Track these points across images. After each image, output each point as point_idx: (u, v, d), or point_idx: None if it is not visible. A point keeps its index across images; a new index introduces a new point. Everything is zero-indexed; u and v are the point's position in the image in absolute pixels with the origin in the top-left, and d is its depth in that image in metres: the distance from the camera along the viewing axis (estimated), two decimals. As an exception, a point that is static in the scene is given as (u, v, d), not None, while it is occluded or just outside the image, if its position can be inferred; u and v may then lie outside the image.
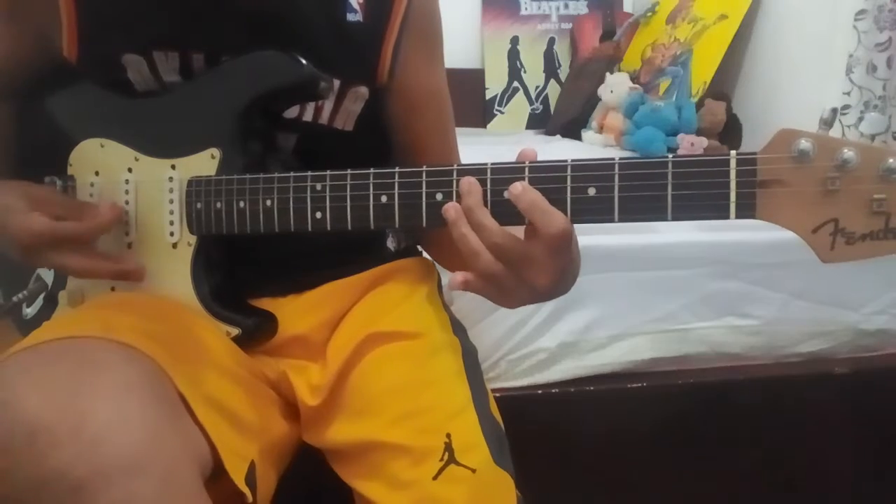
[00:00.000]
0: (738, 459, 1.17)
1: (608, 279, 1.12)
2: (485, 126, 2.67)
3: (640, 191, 0.57)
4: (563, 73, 2.69)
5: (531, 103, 2.71)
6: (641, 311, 1.14)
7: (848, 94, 1.61)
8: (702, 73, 2.07)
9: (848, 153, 0.51)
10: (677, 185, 0.56)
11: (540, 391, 1.09)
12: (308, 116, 0.79)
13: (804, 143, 0.52)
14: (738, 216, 0.55)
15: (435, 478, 0.68)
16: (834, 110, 0.54)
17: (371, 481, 0.71)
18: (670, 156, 0.56)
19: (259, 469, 0.68)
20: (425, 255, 0.95)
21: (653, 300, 1.14)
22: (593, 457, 1.05)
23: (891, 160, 0.50)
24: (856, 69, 1.60)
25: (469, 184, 0.61)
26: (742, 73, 2.13)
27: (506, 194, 0.60)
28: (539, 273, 0.60)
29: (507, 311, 1.10)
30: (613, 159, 0.58)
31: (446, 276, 0.96)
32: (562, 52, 2.72)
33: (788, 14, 1.98)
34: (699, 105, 1.96)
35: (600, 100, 2.26)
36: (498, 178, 0.61)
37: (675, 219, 0.56)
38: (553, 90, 2.70)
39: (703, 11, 2.20)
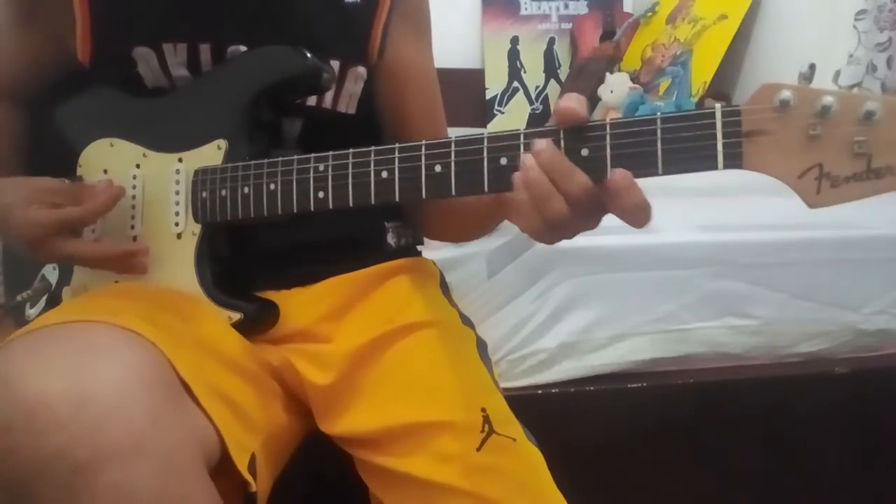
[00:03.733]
0: (738, 459, 1.17)
1: (608, 279, 1.12)
2: (485, 126, 2.66)
3: (631, 148, 0.58)
4: (563, 73, 2.69)
5: (531, 103, 2.71)
6: (641, 311, 1.14)
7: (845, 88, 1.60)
8: (702, 73, 2.07)
9: (827, 99, 0.53)
10: (666, 140, 0.57)
11: (540, 391, 1.09)
12: (312, 101, 0.81)
13: (785, 94, 0.54)
14: (726, 166, 0.56)
15: (479, 449, 0.70)
16: (812, 66, 0.56)
17: (414, 458, 0.71)
18: (659, 113, 0.58)
19: (259, 463, 0.69)
20: (424, 255, 0.95)
21: (653, 300, 1.14)
22: (593, 457, 1.05)
23: (868, 103, 0.52)
24: (856, 69, 1.60)
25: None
26: (742, 73, 2.13)
27: (503, 160, 0.62)
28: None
29: (507, 312, 1.10)
30: (605, 121, 0.59)
31: (449, 275, 0.96)
32: (562, 52, 2.72)
33: (788, 14, 1.98)
34: (699, 105, 1.96)
35: (600, 100, 2.26)
36: (495, 146, 0.63)
37: (665, 173, 0.58)
38: (553, 90, 2.70)
39: (703, 11, 2.20)
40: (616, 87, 2.19)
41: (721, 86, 2.05)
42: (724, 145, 0.56)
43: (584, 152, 0.59)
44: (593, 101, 2.31)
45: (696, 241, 1.16)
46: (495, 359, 1.08)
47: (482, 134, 0.63)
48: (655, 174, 0.58)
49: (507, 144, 0.62)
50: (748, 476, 1.18)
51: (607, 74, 2.30)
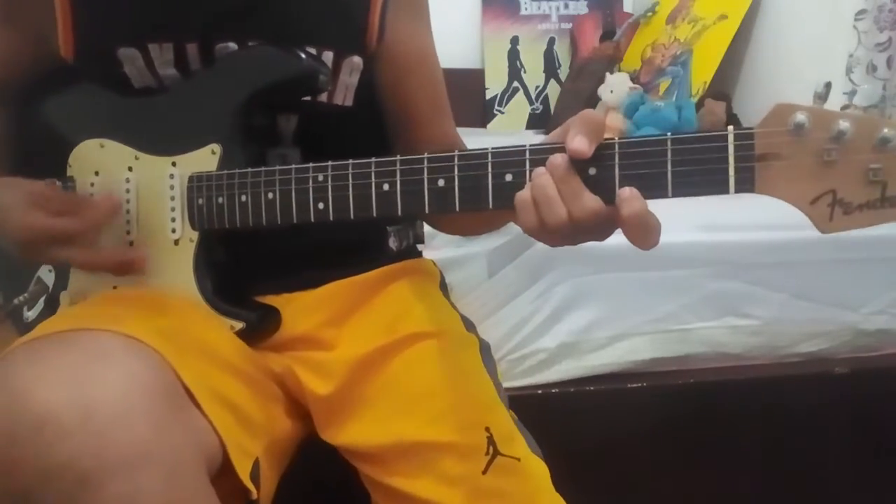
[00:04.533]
0: (738, 459, 1.17)
1: (608, 279, 1.12)
2: (485, 126, 2.66)
3: (639, 169, 0.57)
4: (563, 73, 2.69)
5: (531, 103, 2.71)
6: (641, 311, 1.14)
7: (848, 94, 1.61)
8: (702, 73, 2.07)
9: (843, 124, 0.52)
10: (676, 161, 0.56)
11: (540, 391, 1.10)
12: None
13: (800, 117, 0.52)
14: (737, 190, 0.55)
15: (484, 472, 0.70)
16: (828, 84, 0.55)
17: (419, 479, 0.71)
18: (669, 133, 0.57)
19: (262, 467, 0.69)
20: (425, 255, 0.95)
21: (653, 300, 1.14)
22: (593, 457, 1.05)
23: (885, 130, 0.51)
24: (856, 69, 1.59)
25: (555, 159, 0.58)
26: (742, 73, 2.13)
27: (508, 177, 0.60)
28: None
29: (507, 312, 1.10)
30: (613, 139, 0.58)
31: (449, 275, 0.96)
32: (562, 52, 2.72)
33: (788, 14, 1.98)
34: (699, 105, 1.95)
35: (600, 100, 2.25)
36: (500, 161, 0.61)
37: (675, 195, 0.57)
38: (553, 90, 2.69)
39: (703, 11, 2.20)
40: (616, 87, 2.19)
41: (721, 86, 2.05)
42: (736, 169, 0.54)
43: (592, 171, 0.58)
44: (593, 101, 2.31)
45: (696, 241, 1.16)
46: (495, 358, 1.08)
47: (486, 149, 0.62)
48: (665, 196, 0.57)
49: (513, 160, 0.61)
50: (748, 476, 1.18)
51: (607, 74, 2.29)
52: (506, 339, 1.09)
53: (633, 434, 1.10)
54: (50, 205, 0.72)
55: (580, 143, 0.57)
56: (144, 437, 0.53)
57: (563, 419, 1.07)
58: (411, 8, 0.83)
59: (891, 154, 0.51)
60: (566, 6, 2.73)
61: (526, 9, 2.72)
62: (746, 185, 0.55)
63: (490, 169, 0.61)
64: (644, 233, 0.56)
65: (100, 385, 0.54)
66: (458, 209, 0.63)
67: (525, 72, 2.71)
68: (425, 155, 0.64)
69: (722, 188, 0.55)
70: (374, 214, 0.66)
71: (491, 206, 0.62)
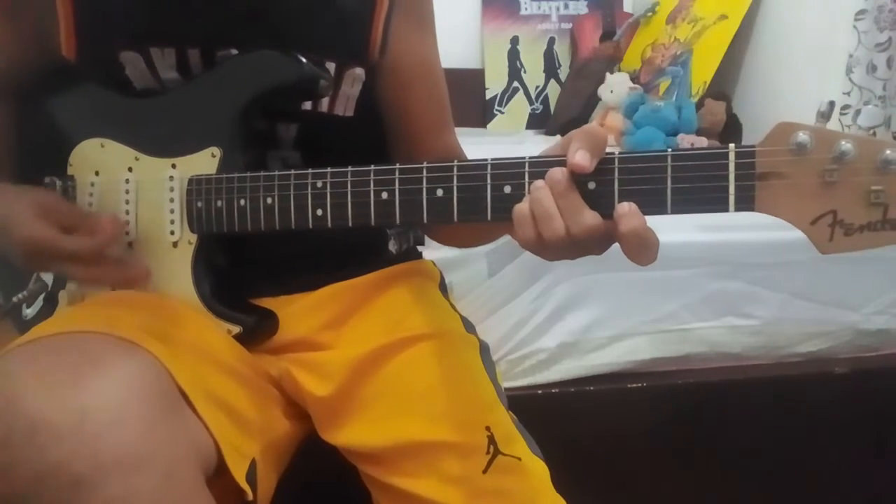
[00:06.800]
0: (738, 459, 1.17)
1: (608, 279, 1.12)
2: (485, 126, 2.67)
3: (639, 184, 0.57)
4: (563, 73, 2.69)
5: (531, 103, 2.71)
6: (641, 311, 1.14)
7: (848, 94, 1.61)
8: (702, 73, 2.07)
9: (846, 145, 0.51)
10: (677, 178, 0.56)
11: (540, 391, 1.09)
12: (307, 105, 0.79)
13: (802, 136, 0.52)
14: (737, 209, 0.55)
15: (485, 471, 0.70)
16: (831, 103, 0.54)
17: (422, 479, 0.71)
18: (669, 149, 0.56)
19: (260, 468, 0.69)
20: (426, 256, 0.95)
21: (653, 300, 1.14)
22: (593, 457, 1.05)
23: (888, 151, 0.50)
24: (856, 69, 1.60)
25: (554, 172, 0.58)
26: (742, 73, 2.13)
27: (507, 189, 0.60)
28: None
29: (507, 312, 1.10)
30: (613, 153, 0.58)
31: (449, 275, 0.96)
32: (562, 52, 2.72)
33: (788, 14, 1.98)
34: (699, 105, 1.96)
35: (600, 100, 2.26)
36: (499, 172, 0.61)
37: (674, 212, 0.56)
38: (553, 90, 2.70)
39: (703, 11, 2.20)
40: (616, 87, 2.19)
41: (721, 86, 2.05)
42: (737, 188, 0.54)
43: (592, 186, 0.58)
44: (593, 101, 2.31)
45: (696, 241, 1.16)
46: (495, 359, 1.08)
47: (486, 160, 0.61)
48: (664, 213, 0.56)
49: (512, 172, 0.60)
50: (748, 476, 1.18)
51: (607, 74, 2.30)
52: (506, 339, 1.09)
53: (633, 434, 1.10)
54: (56, 217, 0.72)
55: (582, 158, 0.56)
56: (139, 439, 0.53)
57: (563, 419, 1.07)
58: (416, 20, 0.83)
59: (893, 176, 0.50)
60: (566, 6, 2.73)
61: (526, 9, 2.72)
62: (746, 203, 0.54)
63: (489, 180, 0.61)
64: (642, 249, 0.56)
65: (94, 388, 0.54)
66: (456, 219, 0.63)
67: (525, 72, 2.71)
68: (424, 164, 0.64)
69: (721, 206, 0.55)
70: (373, 222, 0.66)
71: (489, 217, 0.61)
